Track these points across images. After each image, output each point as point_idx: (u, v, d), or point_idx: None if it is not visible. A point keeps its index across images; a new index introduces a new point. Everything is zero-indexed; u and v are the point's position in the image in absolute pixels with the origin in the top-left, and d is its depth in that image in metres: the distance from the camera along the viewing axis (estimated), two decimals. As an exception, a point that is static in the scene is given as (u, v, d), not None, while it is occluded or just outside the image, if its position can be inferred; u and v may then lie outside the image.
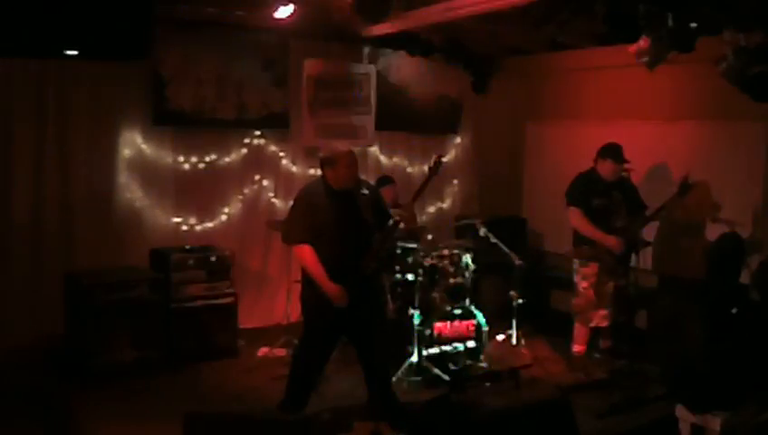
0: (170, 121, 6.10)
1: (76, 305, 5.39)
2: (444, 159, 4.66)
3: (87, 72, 5.70)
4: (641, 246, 5.91)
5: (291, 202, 4.81)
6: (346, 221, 4.41)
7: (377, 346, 4.65)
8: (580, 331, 6.05)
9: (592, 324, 5.95)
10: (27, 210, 5.60)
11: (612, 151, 5.78)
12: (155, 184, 6.19)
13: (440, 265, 5.78)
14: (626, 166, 5.83)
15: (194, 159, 6.36)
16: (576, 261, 5.95)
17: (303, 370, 4.56)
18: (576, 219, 5.82)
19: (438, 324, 5.54)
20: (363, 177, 6.65)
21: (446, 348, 5.59)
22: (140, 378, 5.31)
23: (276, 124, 6.65)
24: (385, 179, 6.60)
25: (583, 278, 5.89)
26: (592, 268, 5.82)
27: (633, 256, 5.88)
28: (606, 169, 5.79)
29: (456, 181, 8.11)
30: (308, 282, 4.45)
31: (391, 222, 4.52)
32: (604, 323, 5.92)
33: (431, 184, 4.62)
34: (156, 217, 6.22)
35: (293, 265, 5.63)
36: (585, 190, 5.83)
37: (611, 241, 5.68)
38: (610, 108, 6.95)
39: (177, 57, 5.99)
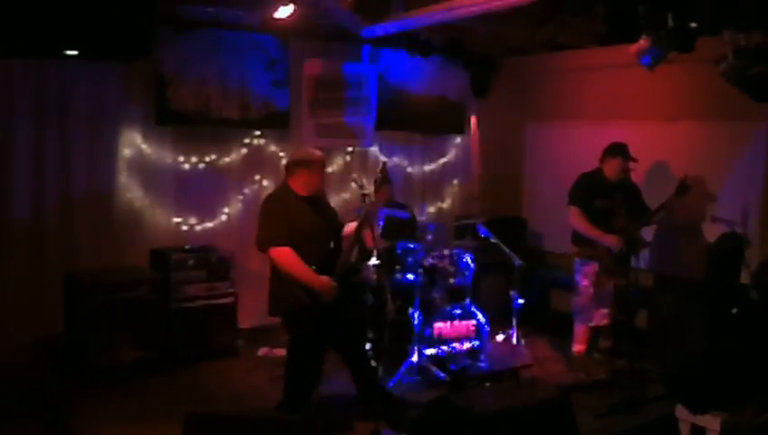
0: (173, 121, 6.10)
1: (76, 305, 5.38)
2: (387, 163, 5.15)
3: (87, 72, 5.70)
4: (641, 247, 5.92)
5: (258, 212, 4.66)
6: (319, 224, 4.46)
7: (362, 345, 4.78)
8: (580, 329, 6.05)
9: (592, 323, 5.96)
10: (27, 210, 5.59)
11: (619, 150, 5.80)
12: (155, 184, 6.19)
13: (440, 265, 5.78)
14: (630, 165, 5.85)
15: (194, 159, 6.36)
16: (577, 260, 5.97)
17: (299, 375, 4.54)
18: (575, 218, 5.84)
19: (438, 324, 5.54)
20: (363, 176, 6.71)
21: (446, 348, 5.58)
22: (140, 378, 5.31)
23: (277, 124, 6.65)
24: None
25: (584, 277, 5.90)
26: (593, 267, 5.84)
27: (633, 257, 5.90)
28: (612, 167, 5.82)
29: (455, 181, 8.12)
30: (291, 291, 4.36)
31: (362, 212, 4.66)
32: (604, 322, 5.93)
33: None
34: (156, 217, 6.22)
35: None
36: (587, 191, 5.84)
37: (610, 240, 5.69)
38: (610, 108, 6.95)
39: (178, 57, 5.99)
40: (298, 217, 4.39)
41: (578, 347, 6.08)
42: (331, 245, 4.51)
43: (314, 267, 4.34)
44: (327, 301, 4.34)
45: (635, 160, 5.80)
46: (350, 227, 4.73)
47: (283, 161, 6.78)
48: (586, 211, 5.78)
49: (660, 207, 5.77)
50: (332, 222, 4.60)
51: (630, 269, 5.89)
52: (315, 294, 4.33)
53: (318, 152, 4.62)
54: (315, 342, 4.52)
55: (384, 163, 5.28)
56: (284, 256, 4.32)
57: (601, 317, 5.90)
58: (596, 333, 6.11)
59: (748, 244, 5.66)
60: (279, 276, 4.42)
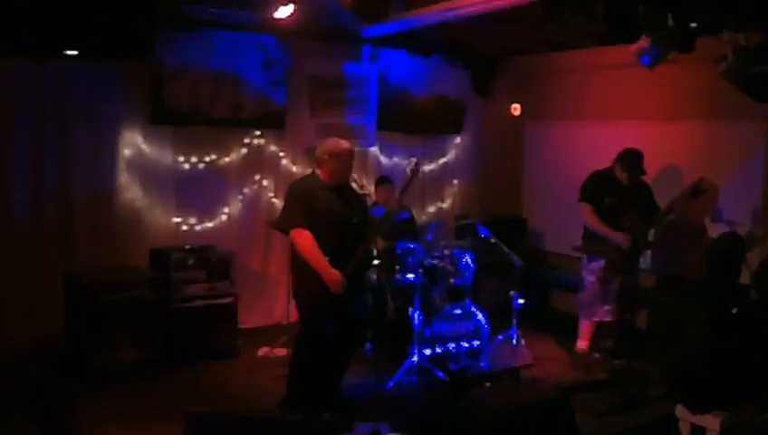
0: (168, 121, 6.10)
1: (76, 305, 5.38)
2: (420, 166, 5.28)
3: (87, 71, 5.70)
4: (647, 246, 5.99)
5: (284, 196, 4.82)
6: (340, 214, 4.49)
7: (352, 348, 4.83)
8: (584, 325, 6.13)
9: (596, 319, 6.03)
10: (27, 210, 5.59)
11: (629, 161, 5.84)
12: (155, 184, 6.19)
13: (440, 265, 5.78)
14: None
15: (194, 159, 6.36)
16: (584, 256, 6.03)
17: (305, 368, 4.55)
18: (586, 215, 5.92)
19: (438, 324, 5.54)
20: (363, 176, 6.72)
21: (446, 348, 5.58)
22: (140, 378, 5.31)
23: (273, 124, 6.65)
24: (382, 179, 6.65)
25: (590, 273, 5.98)
26: (599, 263, 5.90)
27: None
28: (622, 176, 5.89)
29: (455, 181, 8.12)
30: (305, 275, 4.44)
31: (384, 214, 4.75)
32: (608, 318, 5.98)
33: (414, 185, 5.27)
34: (156, 217, 6.22)
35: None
36: (597, 188, 5.92)
37: (618, 237, 5.74)
38: (610, 108, 6.95)
39: (175, 57, 5.98)
40: (320, 204, 4.44)
41: (582, 344, 6.15)
42: (351, 235, 4.52)
43: (329, 258, 4.37)
44: (335, 293, 4.37)
45: (644, 173, 5.85)
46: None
47: (283, 161, 6.85)
48: (596, 208, 5.84)
49: (669, 208, 5.81)
50: (357, 213, 4.61)
51: (637, 268, 5.95)
52: (326, 285, 4.35)
53: (345, 143, 4.66)
54: (322, 335, 4.50)
55: (417, 161, 5.15)
56: (303, 239, 4.38)
57: (605, 313, 5.97)
58: (598, 332, 6.13)
59: (749, 244, 5.66)
60: (297, 260, 4.48)
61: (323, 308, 4.44)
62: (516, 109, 7.66)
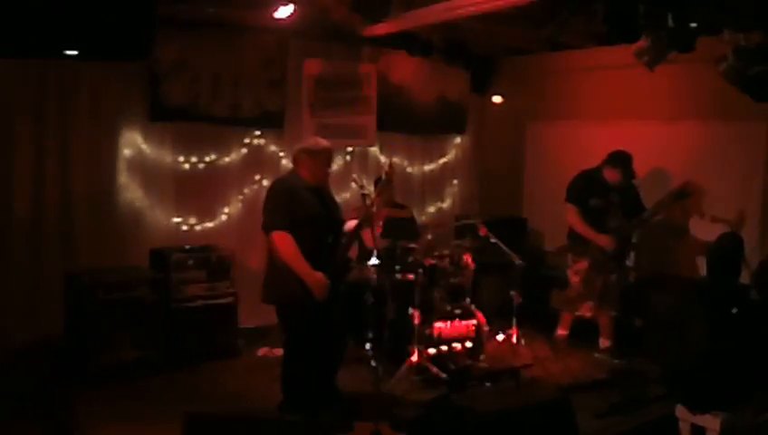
0: (165, 117, 6.08)
1: (76, 305, 5.38)
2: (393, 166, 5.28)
3: (87, 72, 5.70)
4: (632, 247, 6.04)
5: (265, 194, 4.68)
6: (319, 214, 4.43)
7: (337, 345, 4.76)
8: (565, 317, 6.37)
9: (577, 313, 6.18)
10: (27, 210, 5.59)
11: (621, 162, 5.86)
12: (155, 184, 6.19)
13: (440, 265, 5.78)
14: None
15: (194, 159, 6.36)
16: (570, 255, 6.11)
17: (297, 371, 4.51)
18: (571, 216, 5.98)
19: (438, 324, 5.54)
20: (363, 176, 6.72)
21: (446, 348, 5.58)
22: (140, 378, 5.31)
23: (271, 124, 6.64)
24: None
25: (575, 273, 6.07)
26: (583, 264, 5.97)
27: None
28: (611, 175, 5.91)
29: (455, 181, 8.12)
30: (285, 278, 4.33)
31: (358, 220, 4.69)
32: (588, 314, 6.11)
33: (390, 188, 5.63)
34: (156, 217, 6.21)
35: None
36: (584, 189, 5.96)
37: (602, 240, 5.81)
38: (610, 108, 6.95)
39: (173, 55, 5.97)
40: (303, 204, 4.37)
41: (561, 331, 6.40)
42: (330, 237, 4.48)
43: (310, 258, 4.29)
44: (318, 297, 4.31)
45: (634, 177, 5.88)
46: (351, 224, 4.72)
47: (283, 162, 6.85)
48: (582, 209, 5.88)
49: (656, 210, 5.83)
50: (334, 214, 4.58)
51: (623, 267, 5.98)
52: (308, 288, 4.31)
53: (324, 142, 4.60)
54: (308, 337, 4.45)
55: (391, 162, 5.28)
56: (284, 241, 4.28)
57: (586, 309, 6.10)
58: (595, 332, 6.17)
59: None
60: (275, 263, 4.38)
61: (305, 310, 4.36)
62: (498, 98, 7.67)
